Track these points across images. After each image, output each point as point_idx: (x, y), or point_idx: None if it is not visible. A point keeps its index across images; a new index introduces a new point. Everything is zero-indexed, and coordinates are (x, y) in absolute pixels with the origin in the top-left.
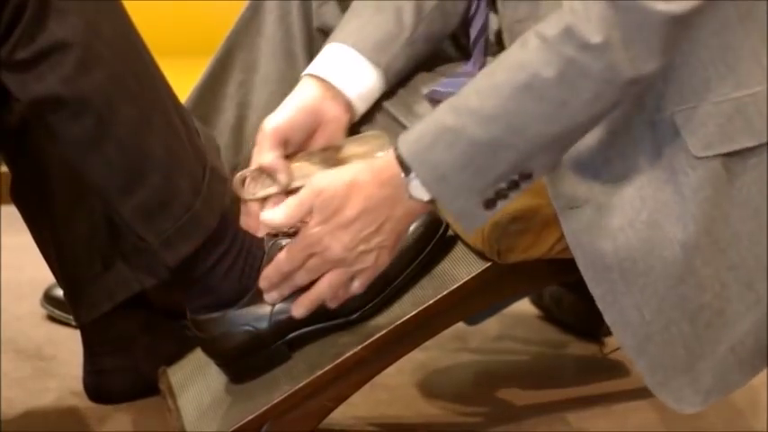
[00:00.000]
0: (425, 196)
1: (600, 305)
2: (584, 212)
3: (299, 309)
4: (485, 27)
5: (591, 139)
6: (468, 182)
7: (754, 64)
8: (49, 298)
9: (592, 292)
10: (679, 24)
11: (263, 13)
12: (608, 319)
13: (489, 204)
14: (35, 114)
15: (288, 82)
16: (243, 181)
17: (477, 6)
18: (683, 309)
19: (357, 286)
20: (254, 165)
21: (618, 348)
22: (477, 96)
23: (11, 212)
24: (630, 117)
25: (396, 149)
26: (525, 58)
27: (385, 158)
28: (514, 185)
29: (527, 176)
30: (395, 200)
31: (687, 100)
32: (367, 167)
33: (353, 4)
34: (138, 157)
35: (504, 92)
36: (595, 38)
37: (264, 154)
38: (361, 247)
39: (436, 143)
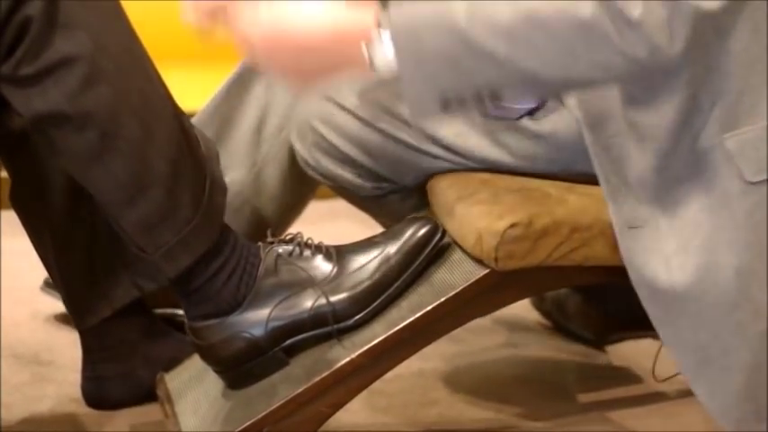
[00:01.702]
0: (387, 65)
1: (654, 322)
2: (642, 233)
3: None
4: None
5: (649, 160)
6: (442, 75)
7: None
8: (49, 282)
9: (645, 307)
10: (708, 19)
11: None
12: (663, 338)
13: (445, 105)
14: (37, 129)
15: None
16: None
17: None
18: (743, 336)
19: None
20: None
21: (673, 376)
22: (492, 6)
23: (9, 217)
24: (680, 141)
25: (384, 6)
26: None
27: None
28: (479, 100)
29: (496, 99)
30: (344, 42)
31: (737, 125)
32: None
33: None
34: (140, 171)
35: (522, 13)
36: (634, 12)
37: None
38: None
39: (432, 27)
